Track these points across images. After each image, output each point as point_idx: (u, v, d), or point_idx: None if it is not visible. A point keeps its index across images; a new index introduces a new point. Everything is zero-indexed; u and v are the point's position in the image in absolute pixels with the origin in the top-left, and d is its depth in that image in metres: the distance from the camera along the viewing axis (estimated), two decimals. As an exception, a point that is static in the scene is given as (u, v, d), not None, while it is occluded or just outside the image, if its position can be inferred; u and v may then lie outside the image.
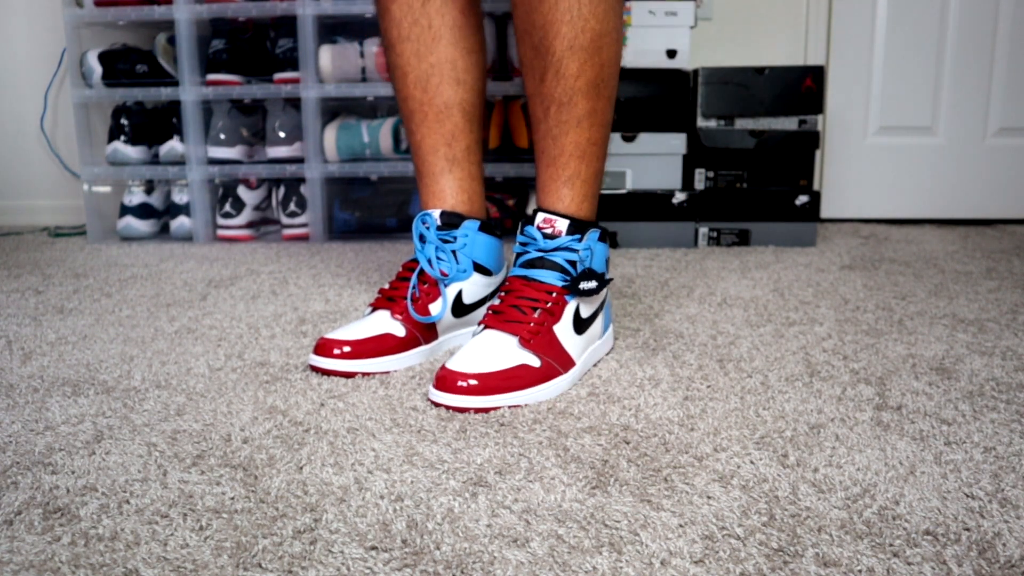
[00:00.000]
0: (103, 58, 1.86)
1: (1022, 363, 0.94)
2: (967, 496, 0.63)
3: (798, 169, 1.72)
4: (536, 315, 0.88)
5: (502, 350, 0.86)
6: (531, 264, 0.92)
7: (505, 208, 1.86)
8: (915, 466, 0.68)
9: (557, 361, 0.87)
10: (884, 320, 1.13)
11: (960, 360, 0.95)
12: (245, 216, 1.89)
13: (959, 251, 1.65)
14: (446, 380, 0.82)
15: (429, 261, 0.98)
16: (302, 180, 1.86)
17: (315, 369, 0.93)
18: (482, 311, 1.04)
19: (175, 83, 1.86)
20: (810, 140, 1.71)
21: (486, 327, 0.89)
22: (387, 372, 0.93)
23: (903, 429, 0.75)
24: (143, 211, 1.92)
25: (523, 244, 0.94)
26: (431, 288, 0.99)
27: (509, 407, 0.82)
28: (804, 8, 2.05)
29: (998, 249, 1.68)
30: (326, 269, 1.53)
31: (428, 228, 0.99)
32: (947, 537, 0.57)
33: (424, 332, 0.97)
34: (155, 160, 1.94)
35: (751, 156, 1.72)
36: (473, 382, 0.81)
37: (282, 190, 1.88)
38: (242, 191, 1.89)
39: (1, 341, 1.08)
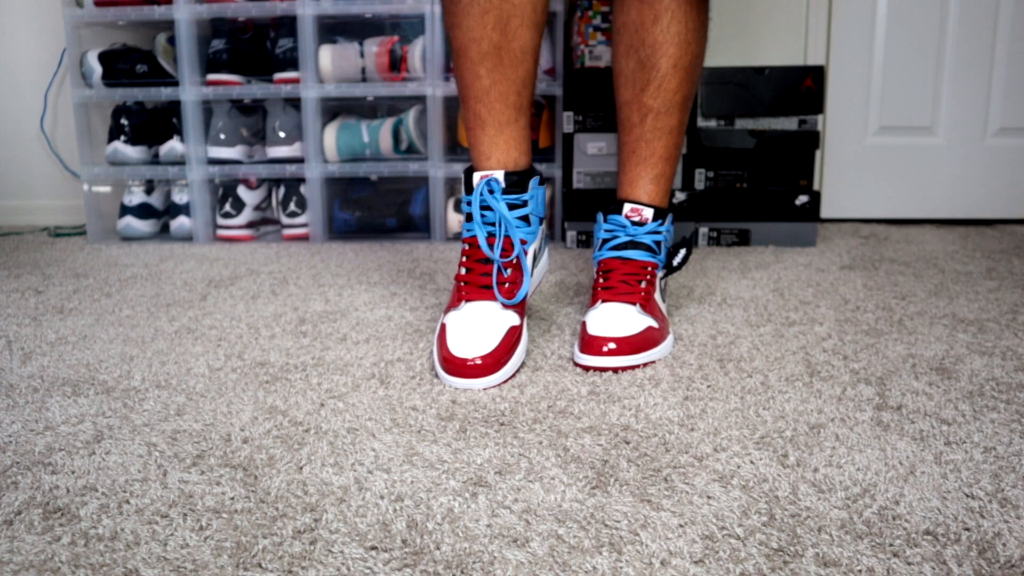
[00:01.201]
0: (103, 58, 1.86)
1: (1022, 363, 0.94)
2: (967, 496, 0.63)
3: (798, 169, 1.72)
4: (643, 286, 1.01)
5: (628, 317, 0.96)
6: (623, 247, 1.04)
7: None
8: (915, 466, 0.68)
9: (663, 322, 1.01)
10: (884, 320, 1.13)
11: (960, 360, 0.95)
12: (245, 216, 1.89)
13: (959, 251, 1.65)
14: (593, 345, 0.92)
15: (510, 236, 0.95)
16: (302, 180, 1.86)
17: (459, 383, 0.86)
18: (539, 261, 1.04)
19: (175, 83, 1.86)
20: (810, 140, 1.71)
21: (603, 301, 0.99)
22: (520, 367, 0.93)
23: (903, 429, 0.75)
24: (143, 211, 1.92)
25: (610, 231, 1.05)
26: (516, 264, 0.96)
27: (645, 364, 0.94)
28: (804, 8, 2.05)
29: (998, 249, 1.67)
30: (326, 269, 1.53)
31: (493, 194, 0.95)
32: (947, 537, 0.57)
33: (522, 306, 0.97)
34: (155, 160, 1.94)
35: (751, 156, 1.72)
36: (612, 346, 0.91)
37: (282, 190, 1.88)
38: (242, 191, 1.89)
39: (1, 341, 1.08)
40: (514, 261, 0.96)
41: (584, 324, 0.97)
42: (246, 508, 0.62)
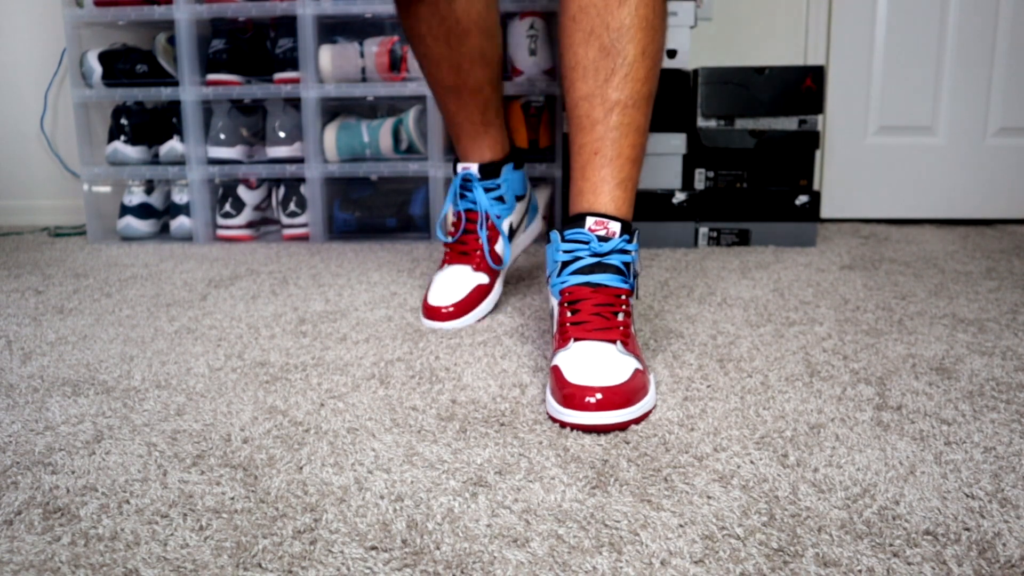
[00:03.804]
0: (103, 58, 1.85)
1: (1022, 363, 0.94)
2: (967, 496, 0.63)
3: (798, 169, 1.72)
4: (621, 319, 0.87)
5: (610, 358, 0.81)
6: (589, 270, 0.88)
7: (505, 208, 1.86)
8: (915, 466, 0.68)
9: (643, 361, 0.85)
10: (884, 320, 1.13)
11: (960, 360, 0.95)
12: (245, 216, 1.89)
13: (959, 251, 1.65)
14: (575, 397, 0.76)
15: (486, 211, 1.16)
16: (302, 180, 1.86)
17: (432, 325, 1.11)
18: (523, 229, 1.25)
19: (175, 83, 1.86)
20: (810, 140, 1.71)
21: (576, 340, 0.84)
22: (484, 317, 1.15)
23: (903, 429, 0.75)
24: (143, 211, 1.92)
25: (570, 251, 0.89)
26: (493, 232, 1.16)
27: (638, 419, 0.78)
28: (804, 8, 2.05)
29: (998, 249, 1.68)
30: (326, 269, 1.53)
31: (471, 182, 1.16)
32: (947, 537, 0.57)
33: (495, 269, 1.17)
34: (155, 160, 1.94)
35: (751, 156, 1.72)
36: (599, 396, 0.76)
37: (282, 190, 1.88)
38: (242, 191, 1.89)
39: (1, 341, 1.08)
40: (490, 234, 1.16)
41: (557, 369, 0.81)
42: (246, 508, 0.62)
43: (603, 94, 0.93)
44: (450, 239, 1.18)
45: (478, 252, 1.16)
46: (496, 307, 1.22)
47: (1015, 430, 0.75)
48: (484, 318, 1.15)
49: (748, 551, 0.56)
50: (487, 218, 1.16)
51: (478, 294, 1.14)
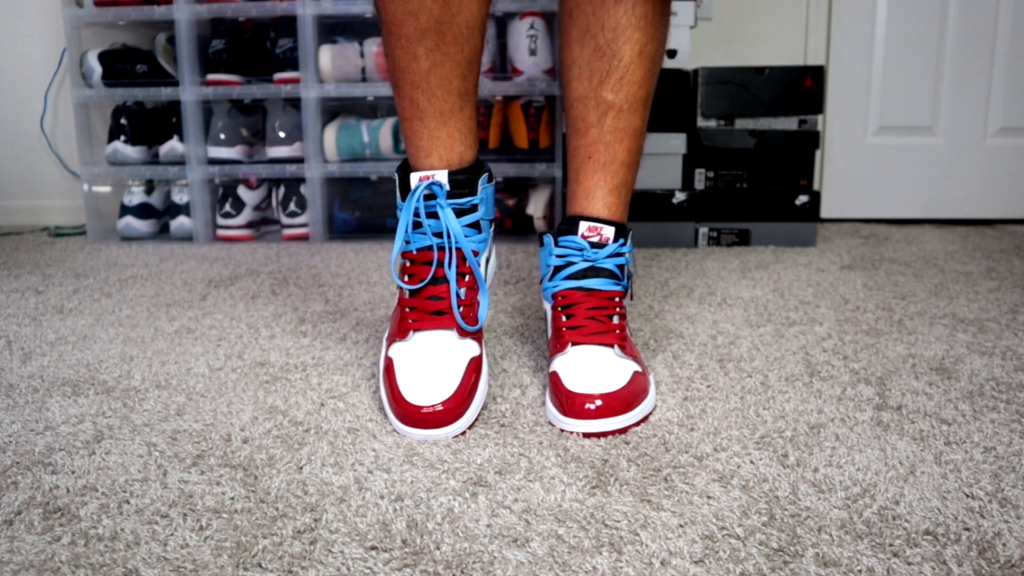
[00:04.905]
0: (103, 58, 1.86)
1: (1022, 363, 0.94)
2: (967, 496, 0.63)
3: (798, 169, 1.72)
4: (616, 322, 0.85)
5: (609, 363, 0.81)
6: (582, 275, 0.86)
7: (505, 208, 1.86)
8: (915, 466, 0.68)
9: (644, 363, 0.85)
10: (884, 320, 1.13)
11: (960, 360, 0.95)
12: (245, 216, 1.89)
13: (959, 251, 1.65)
14: (574, 404, 0.76)
15: (460, 250, 0.83)
16: (302, 180, 1.86)
17: (416, 434, 0.75)
18: (489, 271, 0.93)
19: (175, 83, 1.86)
20: (810, 140, 1.71)
21: (574, 344, 0.83)
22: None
23: (903, 429, 0.76)
24: (143, 211, 1.92)
25: (563, 255, 0.87)
26: (472, 283, 0.85)
27: (638, 423, 0.78)
28: (804, 8, 2.05)
29: (998, 249, 1.67)
30: (326, 269, 1.53)
31: (434, 199, 0.82)
32: (947, 537, 0.57)
33: (469, 331, 0.84)
34: (155, 160, 1.94)
35: (751, 156, 1.72)
36: (599, 403, 0.76)
37: (282, 190, 1.88)
38: (242, 191, 1.89)
39: (1, 341, 1.08)
40: (468, 280, 0.84)
41: (556, 376, 0.80)
42: (246, 508, 0.62)
43: (597, 96, 0.88)
44: (414, 287, 0.84)
45: (461, 309, 0.84)
46: (496, 308, 1.22)
47: (1015, 430, 0.75)
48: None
49: (748, 551, 0.56)
50: (460, 256, 0.83)
51: (474, 373, 0.81)
